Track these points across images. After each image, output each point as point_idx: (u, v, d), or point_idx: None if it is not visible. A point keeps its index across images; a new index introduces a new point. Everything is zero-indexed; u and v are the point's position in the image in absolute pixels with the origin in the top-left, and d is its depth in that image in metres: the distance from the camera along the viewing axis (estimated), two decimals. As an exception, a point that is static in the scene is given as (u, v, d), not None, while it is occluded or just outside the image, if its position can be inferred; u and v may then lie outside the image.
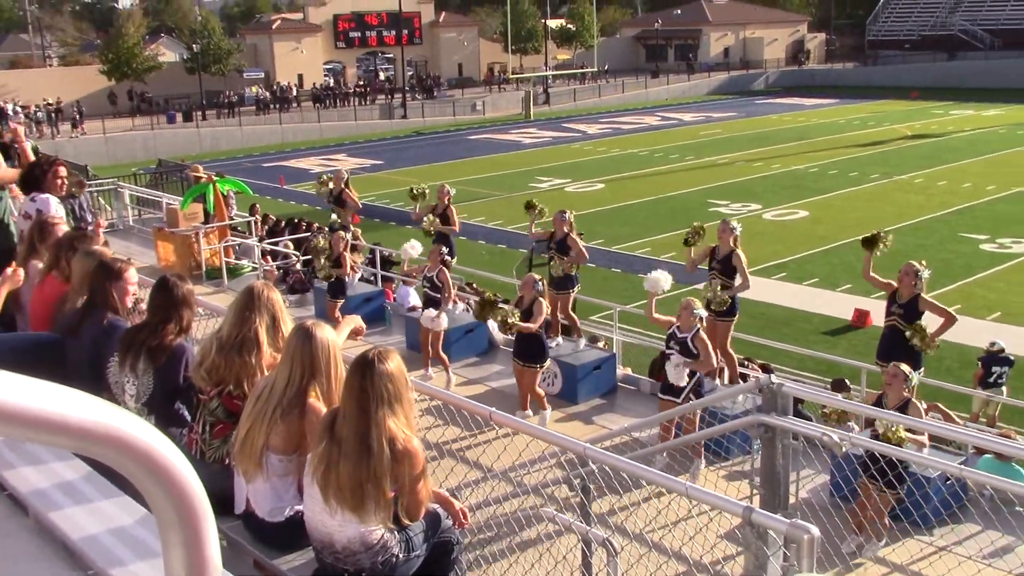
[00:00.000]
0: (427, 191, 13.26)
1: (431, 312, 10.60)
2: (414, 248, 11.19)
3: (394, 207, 30.35)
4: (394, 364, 3.14)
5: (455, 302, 11.67)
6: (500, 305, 9.20)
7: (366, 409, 3.09)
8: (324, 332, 3.43)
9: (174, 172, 25.54)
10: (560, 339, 11.06)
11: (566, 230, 10.79)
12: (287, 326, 3.73)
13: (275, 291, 3.84)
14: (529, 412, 9.45)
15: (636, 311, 15.76)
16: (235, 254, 15.71)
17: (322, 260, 11.95)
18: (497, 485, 5.69)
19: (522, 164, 39.59)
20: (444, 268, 10.73)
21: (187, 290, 4.18)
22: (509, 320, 8.97)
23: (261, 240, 16.61)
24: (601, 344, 12.23)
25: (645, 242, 25.23)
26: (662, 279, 8.47)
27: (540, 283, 9.34)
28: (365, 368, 3.10)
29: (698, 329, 8.22)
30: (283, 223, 20.25)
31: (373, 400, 3.07)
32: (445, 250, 11.11)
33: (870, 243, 8.86)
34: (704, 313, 8.42)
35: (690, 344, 8.18)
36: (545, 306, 9.35)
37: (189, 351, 4.11)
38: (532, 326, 9.05)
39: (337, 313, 11.89)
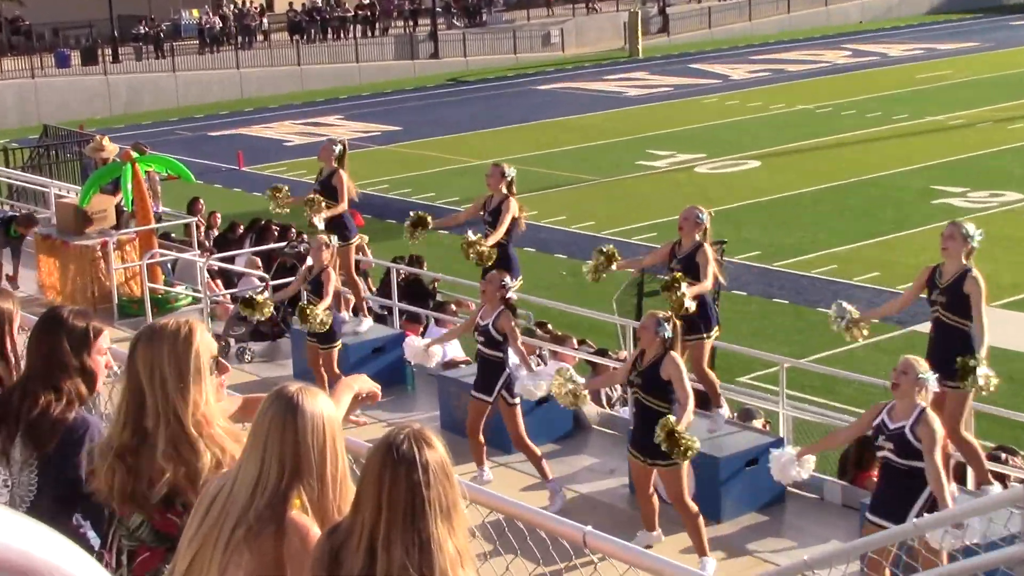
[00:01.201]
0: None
1: (524, 375, 10.78)
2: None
3: (418, 199, 30.27)
4: (442, 452, 3.24)
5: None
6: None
7: (420, 524, 3.15)
8: (316, 403, 3.51)
9: (69, 145, 25.48)
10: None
11: (699, 238, 10.96)
12: (218, 393, 3.90)
13: (199, 331, 3.97)
14: (658, 534, 9.60)
15: (815, 368, 15.47)
16: (166, 276, 15.79)
17: (308, 306, 12.23)
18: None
19: (625, 129, 39.33)
20: (508, 311, 10.88)
21: (90, 331, 4.34)
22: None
23: (208, 254, 16.42)
24: (758, 422, 12.32)
25: (828, 255, 24.81)
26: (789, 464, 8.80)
27: (668, 324, 9.44)
28: (408, 458, 3.17)
29: (924, 410, 8.18)
30: (241, 228, 19.96)
31: (429, 509, 3.15)
32: (509, 281, 11.13)
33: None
34: (933, 380, 8.36)
35: (910, 436, 8.15)
36: (684, 366, 9.46)
37: (94, 428, 4.21)
38: (687, 412, 9.15)
39: (335, 368, 12.22)
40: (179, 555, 3.54)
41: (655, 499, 9.77)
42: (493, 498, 4.48)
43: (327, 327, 12.31)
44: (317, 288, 12.47)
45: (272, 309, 13.25)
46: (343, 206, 13.75)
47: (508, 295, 10.99)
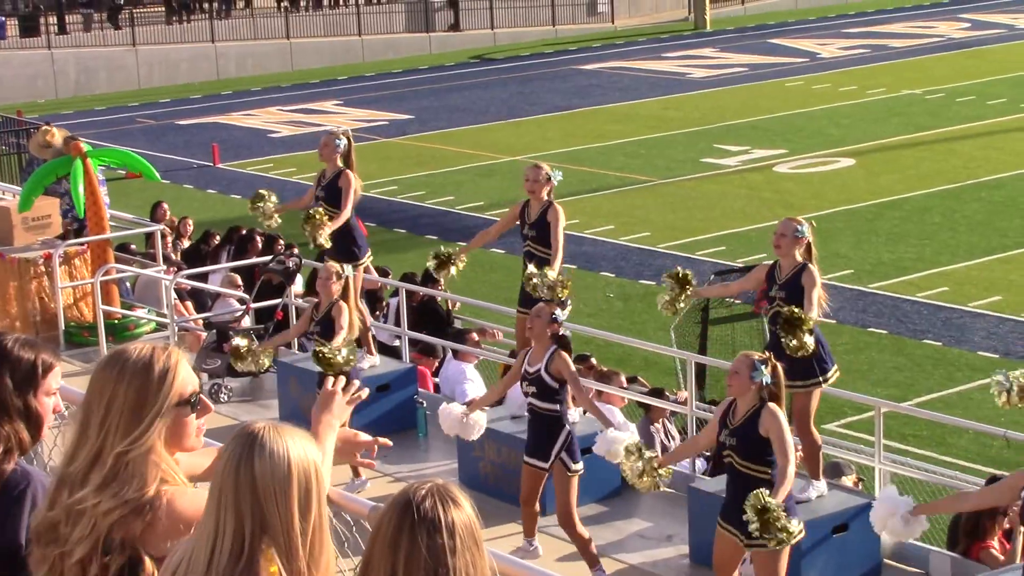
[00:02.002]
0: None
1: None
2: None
3: (433, 203, 29.87)
4: (470, 513, 3.24)
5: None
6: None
7: None
8: (283, 441, 3.41)
9: (4, 135, 26.53)
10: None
11: (800, 257, 10.73)
12: (197, 438, 4.02)
13: (182, 364, 3.94)
14: None
15: (919, 413, 15.45)
16: (124, 297, 16.01)
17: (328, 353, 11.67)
18: None
19: (690, 120, 38.61)
20: (562, 353, 10.59)
21: (38, 365, 4.37)
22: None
23: (175, 270, 16.70)
24: (849, 479, 12.28)
25: (938, 275, 23.90)
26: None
27: (766, 367, 9.08)
28: (431, 518, 3.17)
29: None
30: (217, 238, 19.95)
31: None
32: (560, 314, 10.90)
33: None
34: None
35: None
36: (785, 420, 9.18)
37: (37, 483, 4.26)
38: (786, 481, 8.89)
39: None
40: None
41: None
42: (527, 570, 4.61)
43: (353, 363, 11.90)
44: (327, 330, 12.01)
45: (271, 360, 13.03)
46: (347, 213, 13.44)
47: (561, 334, 10.79)
